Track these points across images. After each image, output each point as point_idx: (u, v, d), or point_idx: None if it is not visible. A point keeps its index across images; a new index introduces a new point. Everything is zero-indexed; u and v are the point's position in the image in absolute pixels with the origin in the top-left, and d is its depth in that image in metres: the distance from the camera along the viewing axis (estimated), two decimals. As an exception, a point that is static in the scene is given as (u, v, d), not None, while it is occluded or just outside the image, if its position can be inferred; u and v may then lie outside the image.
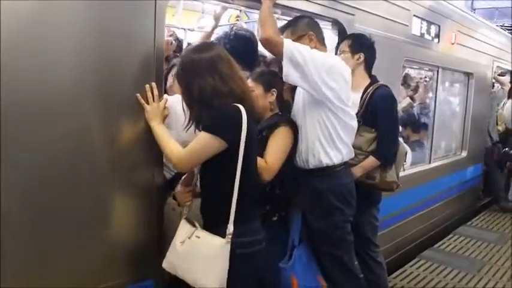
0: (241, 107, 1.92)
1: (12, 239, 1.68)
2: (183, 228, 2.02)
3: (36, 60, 1.70)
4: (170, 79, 2.56)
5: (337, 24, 3.22)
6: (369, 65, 2.96)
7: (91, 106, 1.88)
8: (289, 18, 2.77)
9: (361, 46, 2.92)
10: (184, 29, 3.35)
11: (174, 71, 2.56)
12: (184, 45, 3.61)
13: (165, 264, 2.03)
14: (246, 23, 3.78)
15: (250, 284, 2.05)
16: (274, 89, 2.46)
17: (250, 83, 2.41)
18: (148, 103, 2.04)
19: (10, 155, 1.65)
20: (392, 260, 4.15)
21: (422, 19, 4.36)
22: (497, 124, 6.71)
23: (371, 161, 2.83)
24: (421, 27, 4.36)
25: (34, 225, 1.75)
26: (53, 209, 1.79)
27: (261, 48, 2.80)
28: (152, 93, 2.04)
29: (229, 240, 1.89)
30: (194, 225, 2.01)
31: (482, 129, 6.34)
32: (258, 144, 2.15)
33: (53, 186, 1.79)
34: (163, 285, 2.25)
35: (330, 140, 2.45)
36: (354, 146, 2.63)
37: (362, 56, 2.91)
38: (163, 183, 2.26)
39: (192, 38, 3.64)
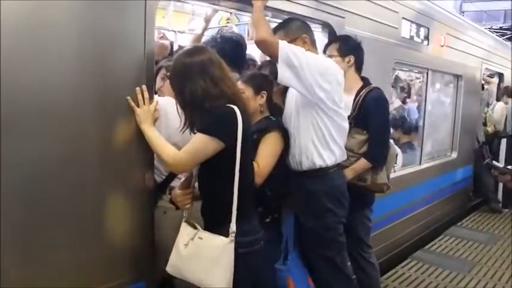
0: (235, 107, 1.95)
1: (6, 240, 1.66)
2: (185, 231, 2.03)
3: (25, 62, 1.68)
4: (159, 81, 2.55)
5: (327, 26, 3.23)
6: (359, 66, 2.98)
7: (80, 108, 1.86)
8: (280, 21, 2.78)
9: (349, 48, 2.93)
10: (175, 31, 3.35)
11: (162, 72, 2.56)
12: (175, 48, 3.61)
13: (169, 269, 2.03)
14: (236, 25, 3.79)
15: (249, 283, 2.06)
16: (264, 92, 2.47)
17: (240, 85, 2.41)
18: (138, 106, 2.03)
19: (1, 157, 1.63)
20: (384, 261, 4.16)
21: (412, 22, 4.39)
22: (485, 125, 6.77)
23: (362, 163, 2.84)
24: (411, 30, 4.39)
25: (25, 227, 1.73)
26: (44, 212, 1.77)
27: (250, 52, 2.81)
28: (143, 95, 2.04)
29: (233, 239, 1.91)
30: (195, 227, 2.02)
31: (472, 130, 6.40)
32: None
33: (43, 188, 1.77)
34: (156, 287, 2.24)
35: (323, 141, 2.46)
36: (345, 148, 2.64)
37: (352, 58, 2.92)
38: (154, 186, 2.26)
39: (182, 40, 3.64)
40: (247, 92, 2.42)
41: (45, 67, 1.73)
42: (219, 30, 2.91)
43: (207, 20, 3.20)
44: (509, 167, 1.82)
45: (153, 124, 2.07)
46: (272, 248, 2.47)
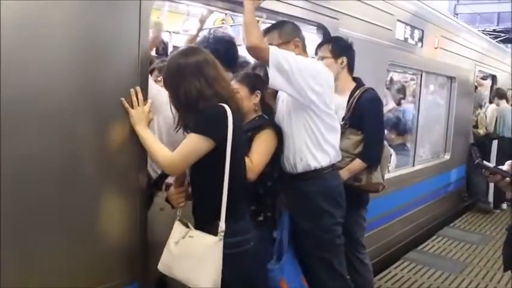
0: (226, 106, 1.95)
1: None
2: (177, 230, 2.03)
3: (18, 62, 1.67)
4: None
5: (321, 28, 3.24)
6: (350, 67, 2.99)
7: (74, 109, 1.86)
8: (274, 22, 2.79)
9: (342, 50, 2.94)
10: (170, 32, 3.35)
11: (155, 74, 2.55)
12: (170, 48, 3.61)
13: (160, 267, 2.04)
14: (231, 26, 3.79)
15: (239, 284, 2.05)
16: (258, 91, 2.49)
17: (235, 84, 2.43)
18: (133, 107, 2.03)
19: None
20: (377, 261, 4.18)
21: (406, 24, 4.41)
22: (477, 127, 6.81)
23: (357, 163, 2.86)
24: (405, 32, 4.42)
25: (17, 227, 1.72)
26: (36, 212, 1.77)
27: (244, 53, 2.81)
28: (137, 97, 2.03)
29: (222, 237, 1.91)
30: (188, 226, 2.02)
31: (465, 132, 6.44)
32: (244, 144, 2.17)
33: (36, 188, 1.76)
34: (150, 288, 2.24)
35: (316, 143, 2.48)
36: (340, 149, 2.66)
37: (345, 59, 2.93)
38: (151, 183, 2.25)
39: (177, 41, 3.64)
40: (242, 91, 2.43)
41: (38, 68, 1.73)
42: (210, 31, 2.92)
43: (202, 21, 3.20)
44: (500, 167, 1.83)
45: (148, 125, 2.07)
46: (265, 246, 2.48)
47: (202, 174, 2.00)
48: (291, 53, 2.38)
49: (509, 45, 13.49)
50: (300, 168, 2.49)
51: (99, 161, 1.97)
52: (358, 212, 3.05)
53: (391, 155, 3.17)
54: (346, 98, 2.92)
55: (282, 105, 2.58)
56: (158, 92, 2.29)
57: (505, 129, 6.64)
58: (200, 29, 3.23)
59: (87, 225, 1.95)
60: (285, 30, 2.60)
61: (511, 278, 1.88)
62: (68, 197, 1.86)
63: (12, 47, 1.64)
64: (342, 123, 2.84)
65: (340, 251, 2.63)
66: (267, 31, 2.60)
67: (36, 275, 1.80)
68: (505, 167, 1.79)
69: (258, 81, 2.54)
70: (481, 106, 6.99)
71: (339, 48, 2.93)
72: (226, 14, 3.14)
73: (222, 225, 1.92)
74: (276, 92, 2.67)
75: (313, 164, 2.48)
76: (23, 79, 1.69)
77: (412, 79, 6.07)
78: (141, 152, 2.07)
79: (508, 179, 1.74)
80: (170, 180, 2.33)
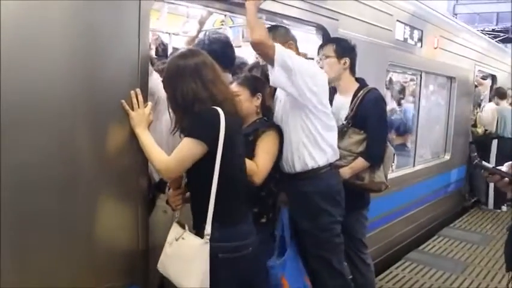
0: (219, 109, 1.95)
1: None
2: (174, 231, 2.05)
3: (17, 64, 1.66)
4: None
5: (321, 29, 3.24)
6: (353, 68, 3.00)
7: (74, 111, 1.85)
8: (274, 23, 2.81)
9: (345, 51, 2.95)
10: (169, 33, 3.34)
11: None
12: (170, 50, 3.61)
13: (159, 266, 2.06)
14: (230, 27, 3.79)
15: (236, 286, 2.05)
16: (259, 93, 2.49)
17: (236, 87, 2.43)
18: (133, 109, 2.02)
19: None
20: (378, 261, 4.17)
21: (406, 24, 4.42)
22: (475, 126, 6.81)
23: (360, 162, 2.86)
24: (404, 32, 4.42)
25: (17, 230, 1.72)
26: (36, 214, 1.76)
27: (241, 54, 2.81)
28: (137, 99, 2.03)
29: (207, 241, 1.92)
30: (184, 228, 2.03)
31: (465, 132, 6.44)
32: (245, 148, 2.16)
33: (36, 191, 1.75)
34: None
35: (313, 141, 2.49)
36: (343, 148, 2.68)
37: (348, 60, 2.94)
38: (153, 185, 2.25)
39: (176, 42, 3.63)
40: (243, 94, 2.43)
41: (36, 68, 1.72)
42: (205, 33, 2.92)
43: (202, 22, 3.20)
44: (498, 167, 1.82)
45: (147, 128, 2.07)
46: (267, 249, 2.48)
47: (196, 177, 2.01)
48: (293, 52, 2.41)
49: (508, 44, 13.50)
50: (298, 167, 2.50)
51: (99, 163, 1.96)
52: (360, 212, 3.06)
53: (394, 154, 3.17)
54: (349, 99, 2.94)
55: (280, 105, 2.60)
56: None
57: (506, 130, 6.64)
58: (200, 31, 3.23)
59: (87, 229, 1.95)
60: (280, 32, 2.67)
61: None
62: (67, 200, 1.85)
63: (12, 47, 1.63)
64: (344, 122, 2.86)
65: (339, 249, 2.63)
66: None
67: (34, 278, 1.79)
68: (504, 168, 1.79)
69: (258, 83, 2.54)
70: (479, 105, 6.99)
71: (343, 49, 2.95)
72: (225, 15, 3.14)
73: (208, 228, 1.93)
74: (274, 92, 2.67)
75: (311, 164, 2.49)
76: (23, 79, 1.68)
77: (411, 79, 6.08)
78: (141, 154, 2.06)
79: (506, 179, 1.74)
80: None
